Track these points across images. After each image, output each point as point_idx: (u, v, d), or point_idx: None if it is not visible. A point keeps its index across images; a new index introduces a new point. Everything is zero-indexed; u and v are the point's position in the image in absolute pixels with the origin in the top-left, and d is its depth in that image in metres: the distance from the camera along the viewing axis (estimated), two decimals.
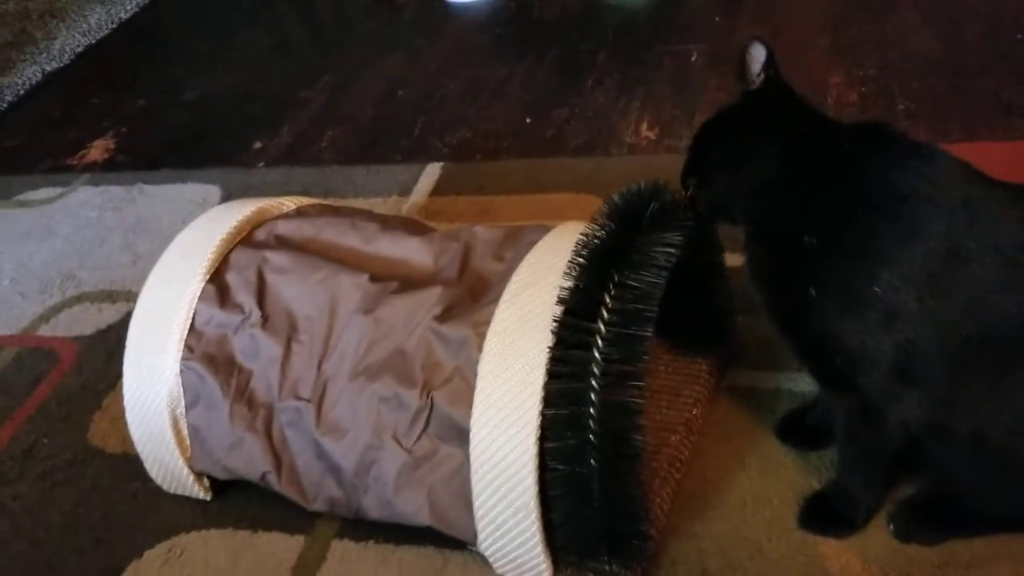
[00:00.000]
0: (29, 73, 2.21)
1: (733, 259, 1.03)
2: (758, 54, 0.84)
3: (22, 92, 2.16)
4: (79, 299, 1.45)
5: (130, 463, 1.12)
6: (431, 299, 0.94)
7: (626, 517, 0.84)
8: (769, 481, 0.95)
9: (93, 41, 2.35)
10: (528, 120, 1.67)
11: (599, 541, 0.85)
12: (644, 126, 1.58)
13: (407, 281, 0.98)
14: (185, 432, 1.01)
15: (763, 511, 0.93)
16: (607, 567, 0.87)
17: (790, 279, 0.81)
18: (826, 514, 0.90)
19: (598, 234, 0.84)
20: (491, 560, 0.89)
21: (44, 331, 1.39)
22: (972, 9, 1.70)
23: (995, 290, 0.74)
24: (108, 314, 1.40)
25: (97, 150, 1.87)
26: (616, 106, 1.65)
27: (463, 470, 0.87)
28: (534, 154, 1.57)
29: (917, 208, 0.75)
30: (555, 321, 0.82)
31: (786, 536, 0.90)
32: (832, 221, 0.78)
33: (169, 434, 1.00)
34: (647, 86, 1.69)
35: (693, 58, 1.75)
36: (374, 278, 0.98)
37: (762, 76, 0.85)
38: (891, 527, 0.87)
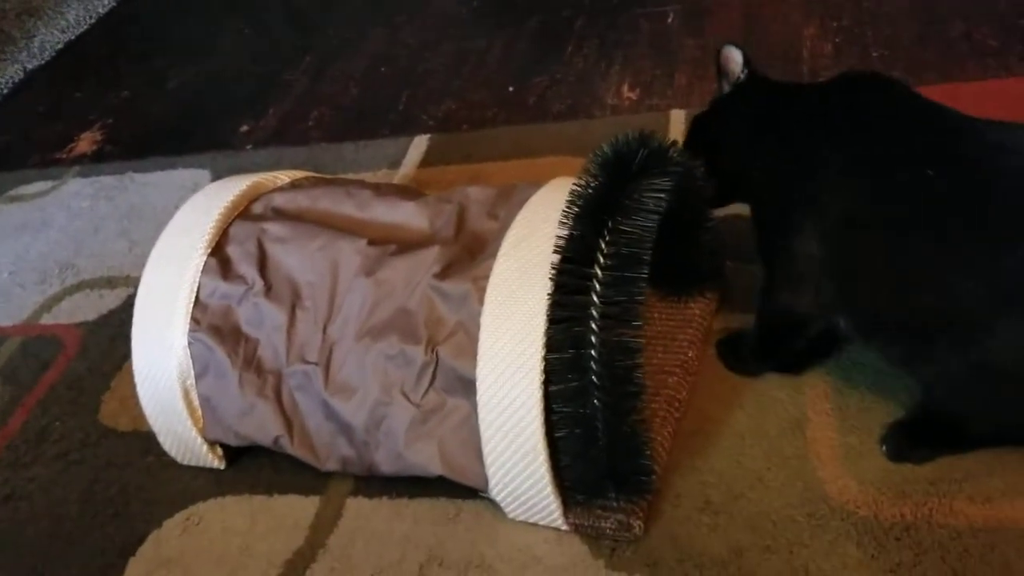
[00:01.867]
0: (11, 72, 2.21)
1: (720, 209, 1.07)
2: (735, 56, 1.00)
3: (5, 91, 2.17)
4: (79, 287, 1.47)
5: (142, 439, 1.15)
6: (430, 258, 0.96)
7: (630, 453, 0.87)
8: (765, 416, 0.99)
9: (72, 37, 2.36)
10: (511, 89, 1.69)
11: (605, 478, 0.88)
12: (625, 87, 1.60)
13: (405, 244, 1.01)
14: (196, 403, 1.04)
15: (761, 444, 0.96)
16: (614, 503, 0.90)
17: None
18: (734, 349, 1.05)
19: (590, 184, 0.87)
20: (502, 504, 0.93)
21: (47, 319, 1.42)
22: None
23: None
24: (109, 299, 1.42)
25: (85, 142, 1.89)
26: (597, 70, 1.68)
27: (471, 420, 0.90)
28: (519, 121, 1.59)
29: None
30: (553, 268, 0.84)
31: (785, 465, 0.93)
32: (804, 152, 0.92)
33: (181, 405, 1.03)
34: (626, 49, 1.72)
35: (669, 19, 1.78)
36: (372, 242, 1.01)
37: (745, 71, 1.00)
38: (884, 448, 0.91)
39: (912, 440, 0.91)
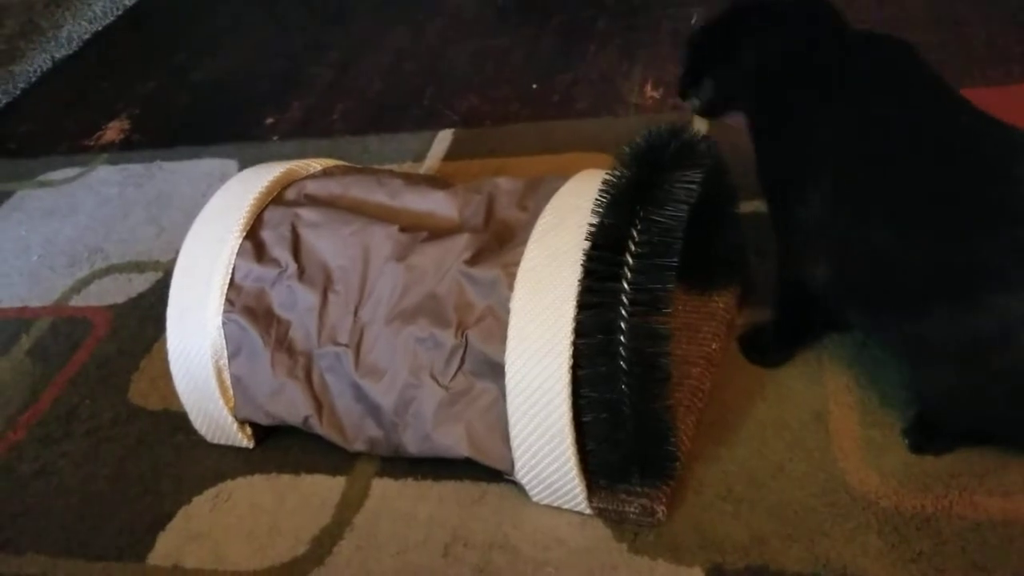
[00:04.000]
0: (39, 61, 2.24)
1: (745, 205, 1.09)
2: None
3: (33, 79, 2.19)
4: (107, 271, 1.49)
5: (171, 419, 1.17)
6: (460, 245, 0.98)
7: (655, 439, 0.89)
8: (787, 407, 1.00)
9: (100, 28, 2.39)
10: (534, 86, 1.71)
11: (630, 463, 0.90)
12: (648, 87, 1.62)
13: (435, 231, 1.03)
14: (228, 382, 1.06)
15: (783, 435, 0.98)
16: (638, 488, 0.92)
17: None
18: (755, 342, 1.07)
19: (623, 173, 0.89)
20: (527, 487, 0.94)
21: (76, 301, 1.44)
22: None
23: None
24: (138, 283, 1.44)
25: (112, 131, 1.91)
26: (619, 69, 1.69)
27: (498, 403, 0.92)
28: (542, 118, 1.61)
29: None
30: (585, 254, 0.86)
31: (807, 456, 0.95)
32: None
33: (213, 384, 1.05)
34: (648, 48, 1.74)
35: (692, 20, 1.79)
36: (404, 229, 1.03)
37: None
38: (905, 441, 0.93)
39: (932, 432, 0.92)
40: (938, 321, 0.82)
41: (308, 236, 1.06)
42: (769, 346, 1.05)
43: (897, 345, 0.94)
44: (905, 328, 0.87)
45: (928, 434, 0.92)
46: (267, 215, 1.09)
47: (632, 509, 0.92)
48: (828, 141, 0.89)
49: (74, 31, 2.36)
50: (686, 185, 0.87)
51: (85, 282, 1.48)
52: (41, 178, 1.79)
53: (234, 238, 1.06)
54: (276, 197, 1.12)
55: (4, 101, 2.12)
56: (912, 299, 0.83)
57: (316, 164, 1.20)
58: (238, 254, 1.06)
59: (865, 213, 0.86)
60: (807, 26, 0.95)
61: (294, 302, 1.04)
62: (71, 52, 2.29)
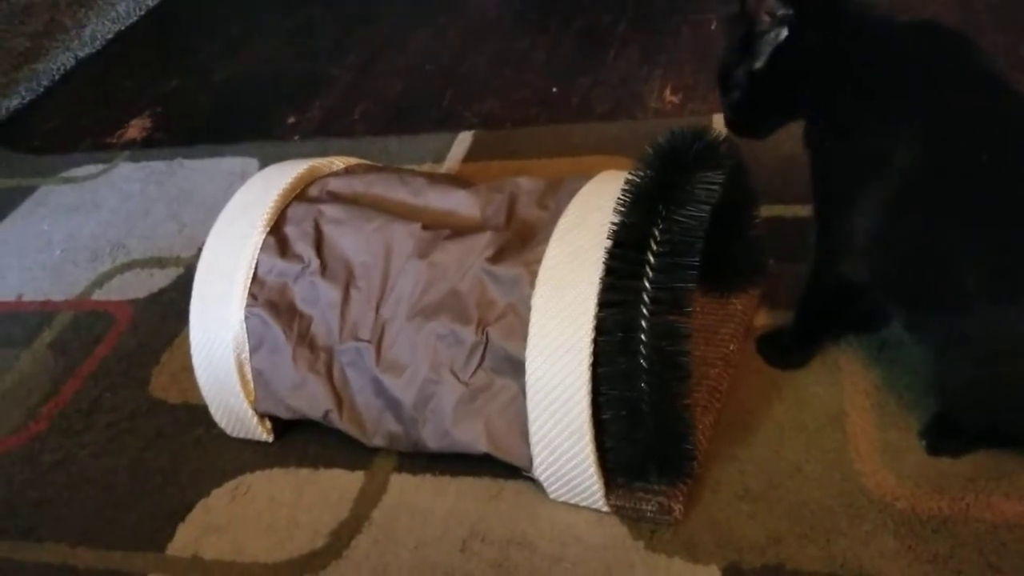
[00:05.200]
0: (63, 59, 2.27)
1: (765, 210, 1.10)
2: None
3: (57, 77, 2.22)
4: (129, 266, 1.51)
5: (192, 412, 1.18)
6: (482, 243, 0.99)
7: (674, 437, 0.90)
8: (804, 409, 1.01)
9: (123, 28, 2.41)
10: (554, 89, 1.72)
11: (648, 461, 0.91)
12: (668, 91, 1.63)
13: (457, 229, 1.04)
14: (249, 376, 1.07)
15: (800, 436, 0.98)
16: (655, 486, 0.93)
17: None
18: (772, 345, 1.07)
19: (645, 173, 0.89)
20: (545, 484, 0.95)
21: (98, 296, 1.46)
22: None
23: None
24: (159, 279, 1.46)
25: (135, 129, 1.93)
26: (639, 73, 1.70)
27: (517, 400, 0.93)
28: (562, 121, 1.62)
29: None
30: (607, 252, 0.87)
31: (823, 457, 0.95)
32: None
33: (235, 377, 1.06)
34: (668, 53, 1.75)
35: (712, 26, 1.80)
36: (426, 227, 1.04)
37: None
38: (922, 443, 0.93)
39: (949, 433, 0.93)
40: (980, 317, 0.82)
41: (331, 232, 1.07)
42: (789, 347, 1.06)
43: (929, 339, 0.93)
44: (944, 323, 0.86)
45: (945, 435, 0.93)
46: (290, 211, 1.10)
47: (649, 507, 0.93)
48: (889, 147, 0.86)
49: (97, 30, 2.39)
50: (708, 186, 0.88)
51: (107, 277, 1.49)
52: (64, 174, 1.81)
53: (258, 233, 1.08)
54: (300, 194, 1.13)
55: (28, 98, 2.15)
56: (958, 295, 0.83)
57: (339, 162, 1.21)
58: (262, 249, 1.07)
59: (927, 218, 0.84)
60: (857, 22, 0.91)
61: (316, 297, 1.05)
62: (94, 50, 2.32)
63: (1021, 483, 0.89)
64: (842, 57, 0.89)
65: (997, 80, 0.86)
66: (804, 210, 0.98)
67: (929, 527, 0.87)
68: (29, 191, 1.78)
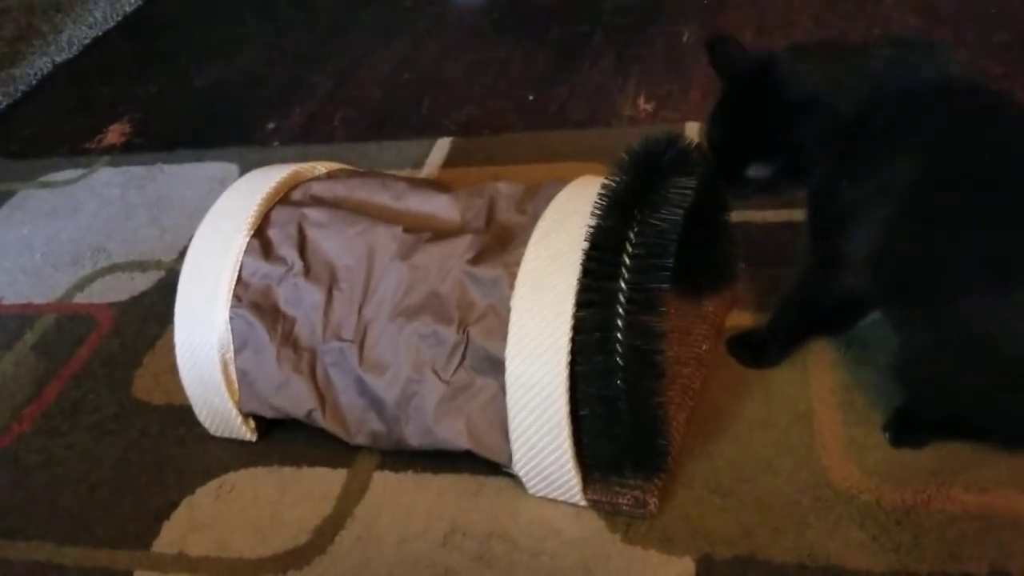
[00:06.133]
0: (40, 64, 2.27)
1: (735, 215, 1.13)
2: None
3: (34, 82, 2.22)
4: (110, 269, 1.52)
5: (175, 413, 1.20)
6: (463, 245, 1.02)
7: (649, 433, 0.93)
8: (774, 407, 1.04)
9: (100, 33, 2.41)
10: (531, 97, 1.76)
11: (624, 457, 0.94)
12: (642, 100, 1.67)
13: (438, 233, 1.07)
14: (234, 376, 1.09)
15: (770, 433, 1.02)
16: (631, 481, 0.96)
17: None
18: (745, 345, 1.10)
19: (620, 178, 0.93)
20: (524, 479, 0.98)
21: (80, 299, 1.47)
22: None
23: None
24: (140, 282, 1.47)
25: (114, 134, 1.94)
26: (614, 83, 1.74)
27: (498, 398, 0.96)
28: (539, 128, 1.66)
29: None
30: (584, 254, 0.90)
31: (792, 453, 0.99)
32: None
33: (219, 377, 1.08)
34: (642, 64, 1.79)
35: (685, 38, 1.85)
36: (408, 230, 1.06)
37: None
38: (886, 435, 0.98)
39: (911, 425, 0.97)
40: (965, 310, 0.85)
41: (314, 235, 1.09)
42: (763, 348, 1.09)
43: (906, 333, 0.95)
44: (926, 317, 0.90)
45: (908, 428, 0.97)
46: (274, 215, 1.12)
47: (625, 501, 0.96)
48: (898, 179, 0.88)
49: (75, 35, 2.39)
50: (681, 191, 0.91)
51: (88, 280, 1.50)
52: (43, 179, 1.81)
53: (242, 236, 1.10)
54: (283, 198, 1.15)
55: (5, 104, 2.15)
56: (947, 291, 0.86)
57: (321, 167, 1.24)
58: (246, 252, 1.09)
59: (926, 226, 0.88)
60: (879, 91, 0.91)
61: (300, 299, 1.07)
62: (72, 56, 2.32)
63: (980, 476, 0.93)
64: (869, 126, 0.89)
65: (994, 102, 0.90)
66: (773, 215, 1.02)
67: (893, 518, 0.91)
68: (7, 196, 1.78)
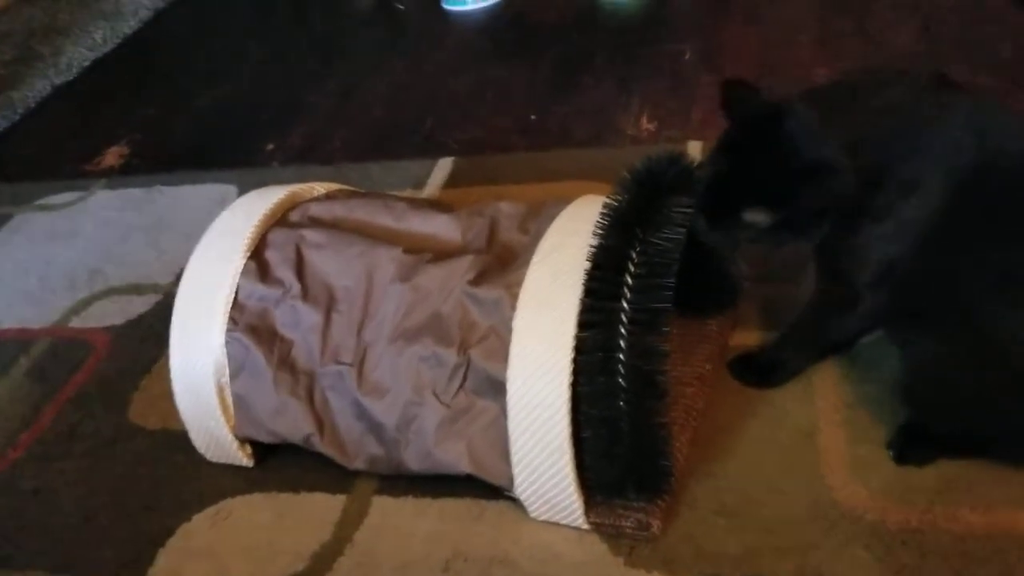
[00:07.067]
0: (39, 87, 2.27)
1: None
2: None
3: (33, 104, 2.22)
4: (107, 293, 1.51)
5: (171, 438, 1.18)
6: (464, 266, 1.01)
7: (651, 455, 0.91)
8: (778, 426, 1.03)
9: (99, 56, 2.42)
10: (533, 117, 1.75)
11: (627, 478, 0.93)
12: (644, 119, 1.66)
13: (439, 253, 1.06)
14: (230, 401, 1.07)
15: (773, 452, 1.00)
16: (634, 503, 0.94)
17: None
18: (752, 367, 1.08)
19: (622, 197, 0.92)
20: (526, 503, 0.96)
21: (76, 323, 1.45)
22: (944, 6, 1.80)
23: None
24: (137, 305, 1.46)
25: (112, 156, 1.94)
26: (616, 102, 1.74)
27: (499, 421, 0.94)
28: (541, 147, 1.65)
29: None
30: (586, 274, 0.89)
31: (796, 473, 0.98)
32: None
33: (215, 402, 1.07)
34: (644, 83, 1.78)
35: (686, 56, 1.85)
36: (408, 251, 1.05)
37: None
38: (890, 452, 0.97)
39: (915, 443, 0.96)
40: (980, 326, 0.85)
41: (312, 257, 1.08)
42: (774, 372, 1.07)
43: (913, 351, 0.95)
44: (938, 334, 0.89)
45: (912, 445, 0.96)
46: (271, 236, 1.12)
47: (628, 523, 0.94)
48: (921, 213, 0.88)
49: (74, 57, 2.40)
50: (683, 210, 0.90)
51: (85, 304, 1.49)
52: (40, 202, 1.81)
53: (239, 258, 1.09)
54: (280, 219, 1.14)
55: (3, 126, 2.15)
56: (962, 307, 0.87)
57: (320, 187, 1.23)
58: (242, 274, 1.08)
59: (944, 250, 0.88)
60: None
61: (297, 321, 1.06)
62: (71, 78, 2.33)
63: (984, 496, 0.91)
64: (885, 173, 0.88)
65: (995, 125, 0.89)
66: None
67: (898, 539, 0.89)
68: (4, 219, 1.78)
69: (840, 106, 0.91)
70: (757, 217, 0.88)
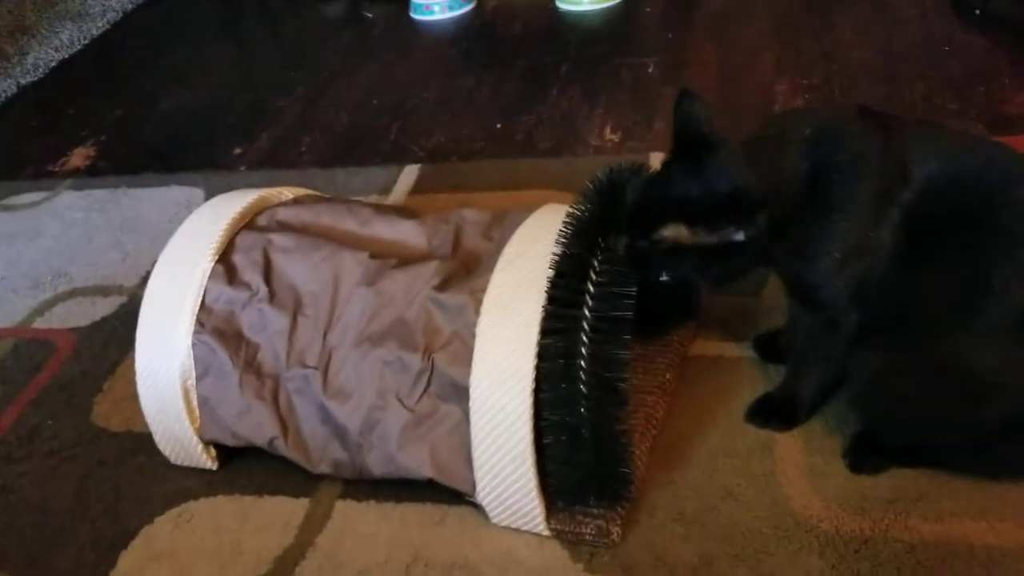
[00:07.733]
0: (4, 86, 2.25)
1: None
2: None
3: None
4: (71, 294, 1.50)
5: (134, 440, 1.18)
6: (429, 272, 1.02)
7: (612, 461, 0.93)
8: (737, 436, 1.05)
9: (66, 56, 2.40)
10: (498, 125, 1.77)
11: (587, 485, 0.94)
12: (607, 130, 1.69)
13: (404, 259, 1.07)
14: (195, 403, 1.08)
15: (732, 461, 1.02)
16: (594, 510, 0.96)
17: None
18: (771, 411, 1.06)
19: (585, 206, 0.94)
20: (488, 509, 0.98)
21: (39, 324, 1.45)
22: (902, 26, 1.85)
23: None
24: (101, 307, 1.45)
25: (78, 157, 1.93)
26: (580, 112, 1.76)
27: (461, 426, 0.96)
28: (506, 156, 1.67)
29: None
30: (549, 281, 0.91)
31: (754, 482, 1.00)
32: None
33: (180, 405, 1.07)
34: (608, 94, 1.81)
35: (649, 69, 1.87)
36: (374, 256, 1.06)
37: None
38: (845, 461, 0.99)
39: (870, 452, 0.99)
40: (939, 343, 0.88)
41: (279, 261, 1.09)
42: (799, 412, 1.05)
43: (869, 364, 0.96)
44: (899, 350, 0.91)
45: (866, 454, 0.98)
46: (239, 240, 1.12)
47: (588, 530, 0.96)
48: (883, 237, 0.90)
49: (40, 58, 2.38)
50: None
51: (49, 304, 1.48)
52: (4, 202, 1.79)
53: (206, 261, 1.09)
54: (249, 223, 1.15)
55: None
56: (922, 323, 0.89)
57: (288, 192, 1.24)
58: (210, 277, 1.08)
59: (911, 274, 0.89)
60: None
61: (264, 325, 1.06)
62: (37, 78, 2.31)
63: (937, 506, 0.94)
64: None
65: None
66: None
67: (852, 547, 0.92)
68: None
69: (767, 144, 0.93)
70: (676, 233, 0.85)
